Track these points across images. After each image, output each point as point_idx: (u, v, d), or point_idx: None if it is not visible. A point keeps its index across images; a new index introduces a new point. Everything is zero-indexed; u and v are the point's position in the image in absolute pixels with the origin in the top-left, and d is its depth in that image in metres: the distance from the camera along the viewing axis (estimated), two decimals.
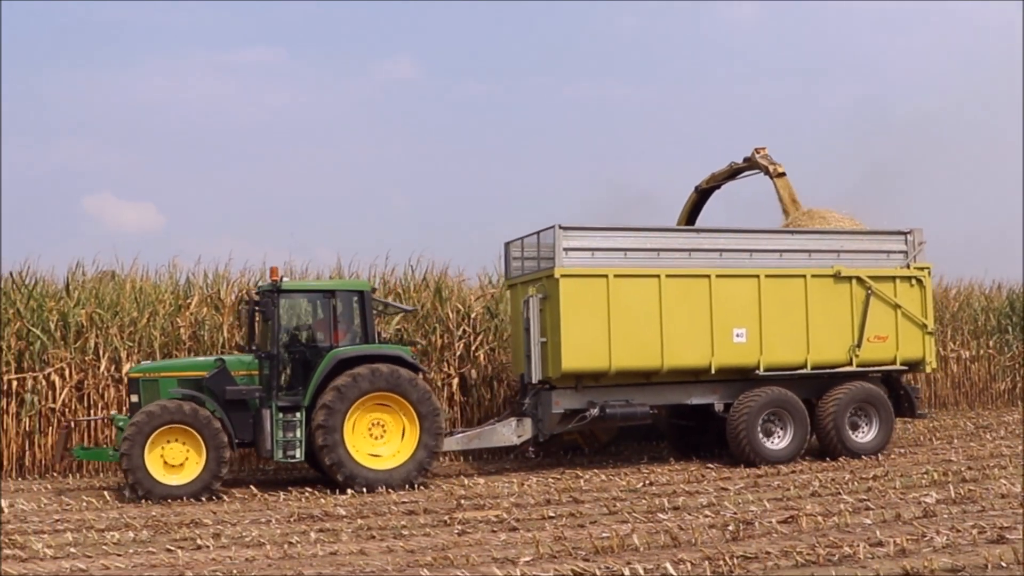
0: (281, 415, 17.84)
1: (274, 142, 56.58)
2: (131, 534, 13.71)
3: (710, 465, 20.06)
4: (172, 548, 12.60)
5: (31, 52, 56.24)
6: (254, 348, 19.18)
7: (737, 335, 20.95)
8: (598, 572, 10.01)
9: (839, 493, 15.43)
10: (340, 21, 57.44)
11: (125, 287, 20.97)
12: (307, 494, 15.98)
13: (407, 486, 17.83)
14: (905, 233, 21.76)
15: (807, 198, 24.34)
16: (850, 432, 20.86)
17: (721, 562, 10.21)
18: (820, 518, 13.33)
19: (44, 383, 19.55)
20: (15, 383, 19.30)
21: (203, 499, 17.02)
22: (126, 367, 19.81)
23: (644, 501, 14.49)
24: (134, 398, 18.14)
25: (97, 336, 19.91)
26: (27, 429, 19.24)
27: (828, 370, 21.01)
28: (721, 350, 20.39)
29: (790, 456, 20.05)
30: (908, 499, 14.71)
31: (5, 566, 11.67)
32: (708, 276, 20.42)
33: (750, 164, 24.51)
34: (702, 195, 26.12)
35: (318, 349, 18.39)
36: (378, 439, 18.27)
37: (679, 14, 55.98)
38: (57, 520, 14.76)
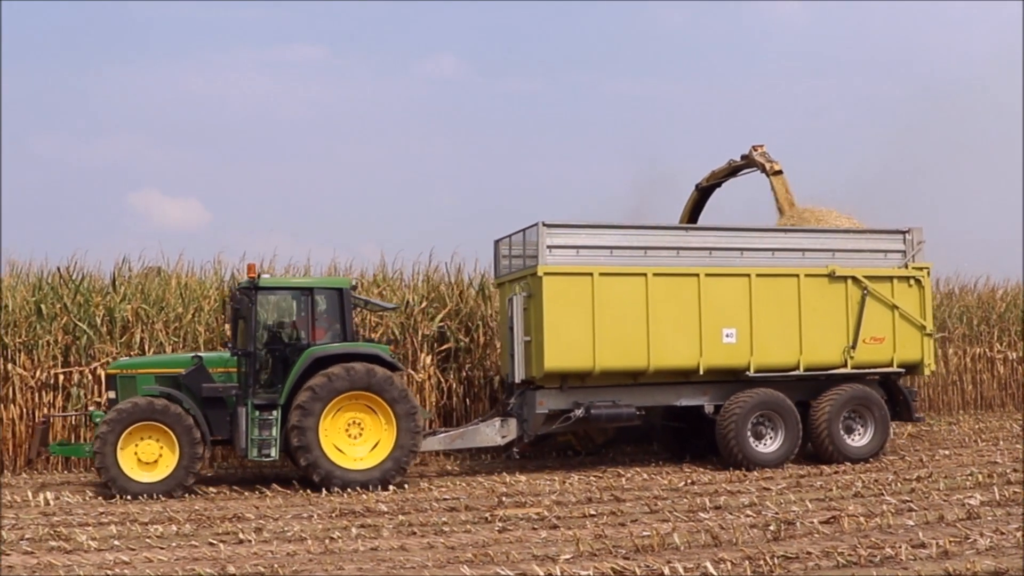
0: (258, 413, 17.89)
1: (318, 139, 56.62)
2: (174, 528, 13.98)
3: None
4: (214, 542, 12.82)
5: (77, 49, 56.44)
6: (228, 345, 19.20)
7: (727, 335, 20.65)
8: (638, 571, 10.07)
9: (882, 494, 15.47)
10: (382, 19, 57.45)
11: (171, 283, 21.21)
12: (348, 490, 15.91)
13: (384, 486, 18.03)
14: (903, 232, 21.55)
15: (813, 198, 24.50)
16: (844, 436, 20.66)
17: (762, 562, 10.29)
18: (862, 519, 13.33)
19: (90, 377, 19.63)
20: (61, 377, 19.38)
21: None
22: None
23: (685, 500, 14.59)
24: (111, 394, 18.29)
25: (143, 331, 20.16)
26: (73, 423, 19.28)
27: (822, 372, 20.81)
28: (710, 351, 20.18)
29: (780, 460, 19.92)
30: (952, 501, 14.73)
31: (50, 557, 12.22)
32: (697, 275, 20.25)
33: (748, 161, 24.64)
34: (703, 193, 26.24)
35: (296, 347, 18.43)
36: (355, 438, 18.29)
37: (723, 11, 55.57)
38: (102, 513, 15.20)
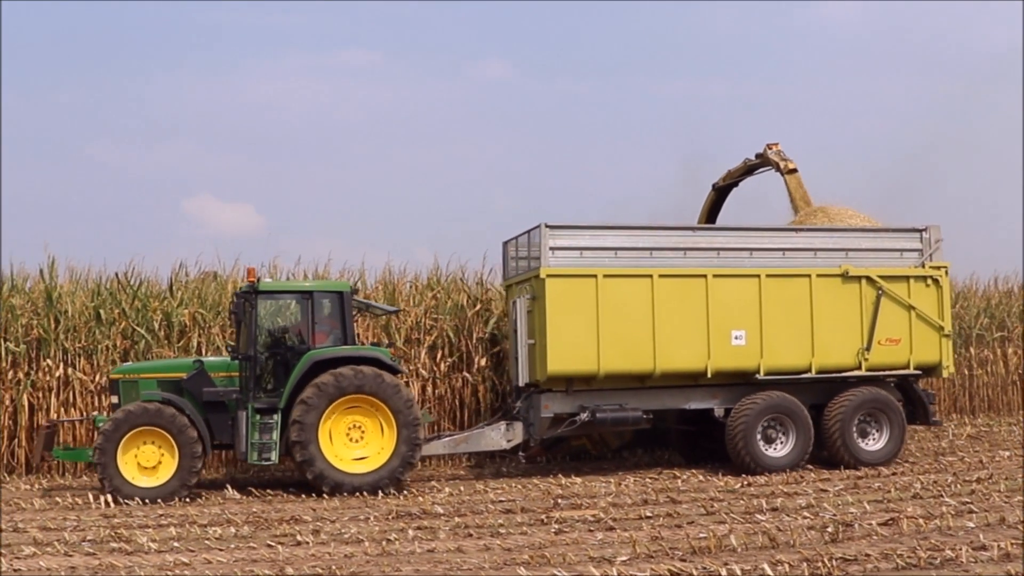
0: (259, 417, 18.10)
1: (371, 143, 56.85)
2: (232, 529, 14.37)
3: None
4: (272, 544, 13.22)
5: (132, 56, 57.02)
6: (229, 349, 19.54)
7: (736, 337, 20.44)
8: (695, 572, 10.22)
9: (941, 496, 15.62)
10: (435, 24, 57.61)
11: (227, 287, 21.29)
12: (405, 492, 15.97)
13: (380, 492, 18.22)
14: (920, 231, 21.33)
15: (831, 197, 24.37)
16: (858, 439, 20.46)
17: (820, 564, 10.40)
18: (921, 520, 13.47)
19: None
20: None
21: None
22: None
23: (742, 502, 14.66)
24: (114, 399, 18.63)
25: (200, 335, 20.43)
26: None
27: (835, 374, 20.62)
28: (718, 353, 20.07)
29: (791, 464, 19.82)
30: (1013, 502, 14.74)
31: (112, 558, 12.65)
32: (705, 276, 20.15)
33: (763, 160, 24.70)
34: (720, 193, 26.27)
35: (296, 351, 18.66)
36: (356, 442, 18.46)
37: (775, 11, 55.33)
38: (161, 515, 15.83)
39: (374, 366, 18.25)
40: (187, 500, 17.26)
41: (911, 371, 20.79)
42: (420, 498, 16.32)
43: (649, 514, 14.26)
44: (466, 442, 20.41)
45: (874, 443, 20.55)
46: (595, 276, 19.57)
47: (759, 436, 19.78)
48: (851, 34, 58.06)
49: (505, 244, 21.28)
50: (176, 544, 12.98)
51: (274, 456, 17.94)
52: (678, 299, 19.85)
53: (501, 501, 15.85)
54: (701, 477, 17.90)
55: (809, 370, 20.32)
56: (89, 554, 12.39)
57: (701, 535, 12.43)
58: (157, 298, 21.91)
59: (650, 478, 17.99)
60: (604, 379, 19.50)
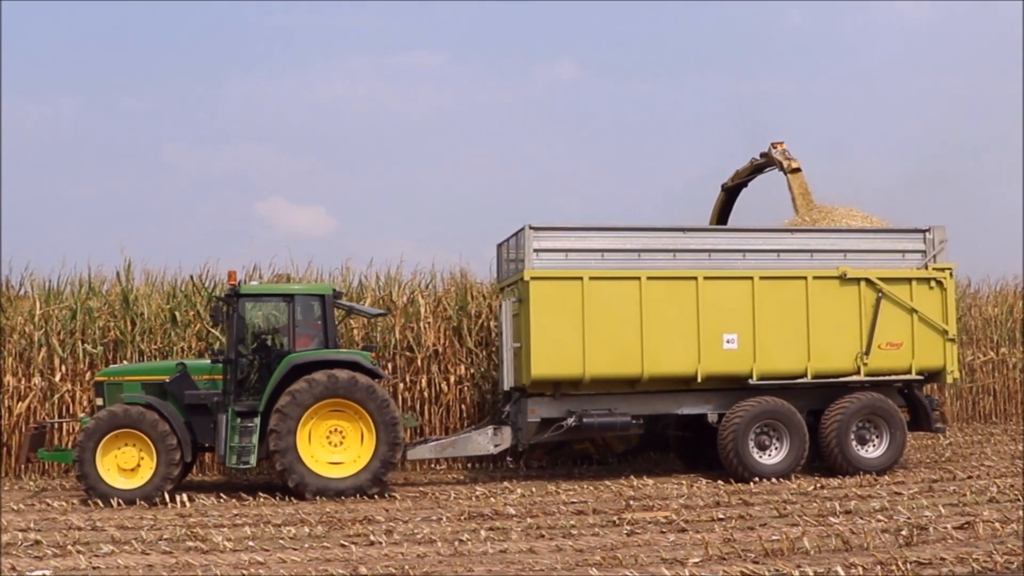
0: (239, 420, 18.46)
1: (440, 144, 57.12)
2: (306, 529, 14.93)
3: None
4: (346, 544, 13.69)
5: (203, 59, 57.71)
6: (210, 352, 20.06)
7: (728, 341, 20.17)
8: (767, 574, 10.24)
9: (1018, 499, 15.93)
10: (501, 25, 57.82)
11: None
12: (477, 492, 16.12)
13: (362, 495, 18.42)
14: (923, 231, 21.02)
15: (836, 197, 24.32)
16: (856, 446, 20.20)
17: (894, 567, 10.54)
18: (998, 524, 13.68)
19: None
20: None
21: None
22: None
23: (815, 504, 14.80)
24: (99, 401, 19.09)
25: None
26: None
27: (832, 379, 20.41)
28: (709, 357, 19.90)
29: (784, 471, 19.64)
30: None
31: (188, 557, 13.13)
32: (695, 278, 20.02)
33: (768, 159, 24.92)
34: (729, 194, 26.47)
35: (278, 354, 18.99)
36: (337, 446, 18.66)
37: (847, 10, 54.90)
38: (236, 514, 16.52)
39: (353, 370, 18.49)
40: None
41: (913, 376, 20.58)
42: (492, 499, 16.62)
43: (721, 516, 14.49)
44: (452, 447, 20.55)
45: (873, 450, 20.37)
46: (581, 278, 19.54)
47: (752, 442, 19.69)
48: (922, 32, 57.39)
49: (499, 246, 21.45)
50: (251, 543, 13.68)
51: (253, 460, 18.33)
52: (667, 302, 19.75)
53: (573, 502, 16.16)
54: (773, 480, 17.96)
55: (805, 375, 20.16)
56: (166, 552, 13.04)
57: (774, 537, 12.54)
58: None
59: (722, 480, 17.98)
60: (590, 383, 19.53)
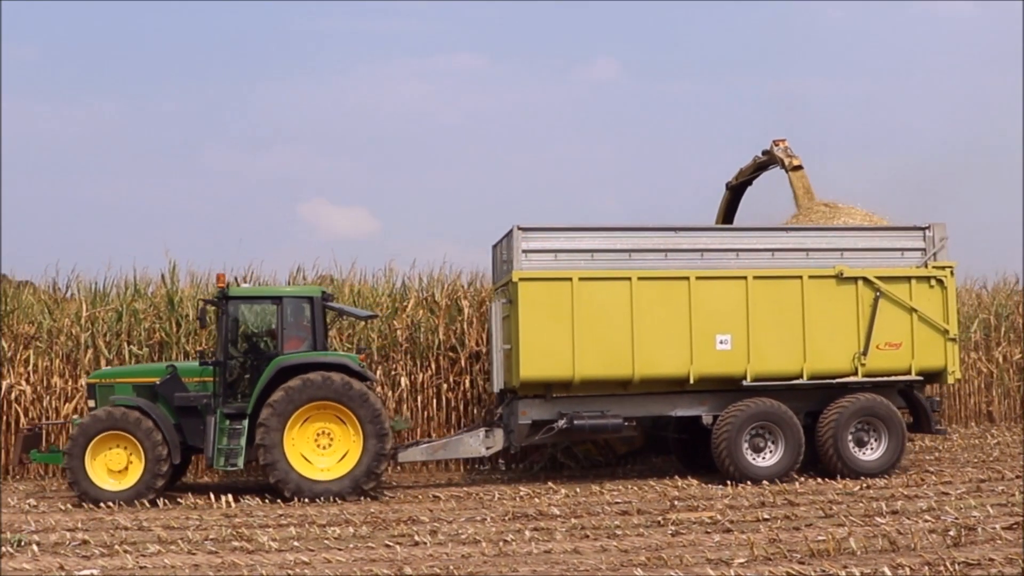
0: (227, 422, 19.26)
1: (480, 145, 57.34)
2: (351, 529, 15.64)
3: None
4: (390, 544, 14.37)
5: (243, 63, 58.12)
6: (198, 354, 20.80)
7: (721, 342, 20.33)
8: (814, 575, 9.92)
9: None
10: (541, 26, 57.86)
11: (344, 290, 21.58)
12: (521, 493, 16.16)
13: (350, 497, 18.91)
14: (923, 229, 21.28)
15: (840, 195, 24.41)
16: (853, 449, 20.41)
17: (942, 568, 11.01)
18: None
19: None
20: None
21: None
22: None
23: (861, 504, 15.25)
24: (91, 403, 19.88)
25: None
26: None
27: (829, 380, 20.68)
28: (702, 358, 20.28)
29: (779, 474, 20.04)
30: None
31: (234, 557, 13.74)
32: (687, 278, 20.33)
33: (770, 157, 25.59)
34: (734, 192, 27.04)
35: (266, 356, 19.69)
36: (325, 448, 19.30)
37: (882, 7, 54.63)
38: (281, 515, 17.35)
39: (340, 372, 19.17)
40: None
41: (912, 377, 20.86)
42: (536, 499, 16.89)
43: (766, 516, 15.04)
44: (444, 449, 21.15)
45: (872, 452, 20.57)
46: (570, 279, 20.02)
47: (746, 444, 20.17)
48: (966, 31, 57.03)
49: (494, 248, 22.28)
50: (296, 543, 14.55)
51: (240, 462, 19.15)
52: (658, 302, 20.24)
53: (617, 503, 16.78)
54: (818, 479, 18.85)
55: (800, 376, 20.53)
56: (212, 552, 14.22)
57: (820, 537, 12.84)
58: None
59: (767, 480, 17.68)
60: (581, 385, 20.24)
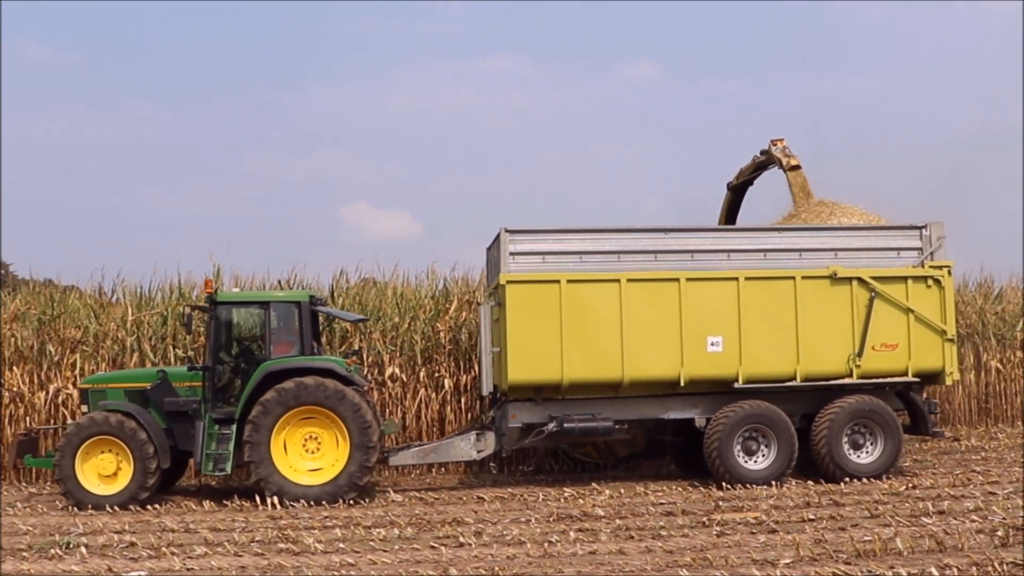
0: (216, 427, 19.92)
1: (520, 147, 57.60)
2: (396, 531, 16.23)
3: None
4: (436, 545, 14.90)
5: (286, 67, 58.56)
6: (186, 360, 21.75)
7: (712, 344, 20.36)
8: (860, 575, 9.81)
9: None
10: (580, 27, 58.00)
11: (387, 293, 21.67)
12: (566, 494, 16.12)
13: (338, 502, 19.17)
14: (920, 228, 21.31)
15: (842, 194, 24.54)
16: (848, 451, 20.47)
17: (990, 568, 11.34)
18: None
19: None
20: None
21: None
22: (388, 370, 20.25)
23: (907, 505, 15.45)
24: (84, 408, 20.48)
25: (361, 340, 20.73)
26: None
27: (823, 382, 20.74)
28: (692, 360, 20.48)
29: (772, 477, 20.25)
30: None
31: (280, 558, 14.12)
32: (677, 280, 20.43)
33: (769, 157, 26.00)
34: (736, 192, 27.39)
35: (255, 361, 20.22)
36: (313, 453, 19.75)
37: (928, 7, 54.50)
38: (326, 516, 18.06)
39: (327, 377, 19.62)
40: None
41: (909, 378, 21.00)
42: (580, 500, 16.96)
43: (811, 516, 15.32)
44: (435, 452, 21.59)
45: (867, 455, 20.62)
46: (558, 281, 20.22)
47: (737, 448, 20.49)
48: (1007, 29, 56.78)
49: (488, 250, 22.95)
50: (342, 545, 15.37)
51: (228, 467, 19.84)
52: (648, 304, 20.58)
53: (662, 503, 17.23)
54: (864, 480, 17.94)
55: (794, 378, 20.76)
56: (258, 554, 14.65)
57: (866, 538, 12.98)
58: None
59: (812, 480, 17.96)
60: (570, 388, 20.70)
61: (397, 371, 24.64)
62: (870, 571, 12.27)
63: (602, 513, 17.54)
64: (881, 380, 20.66)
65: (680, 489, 20.10)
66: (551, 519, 17.04)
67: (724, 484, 19.64)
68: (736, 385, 20.24)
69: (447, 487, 21.73)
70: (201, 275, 25.69)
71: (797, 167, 24.99)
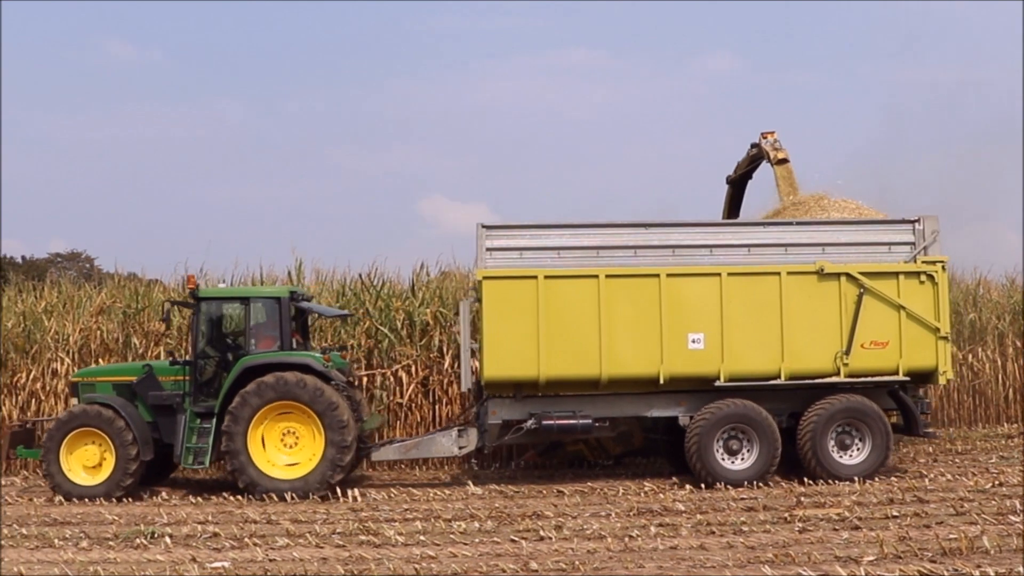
0: (198, 421, 20.70)
1: (598, 139, 57.63)
2: (476, 524, 16.90)
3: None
4: (516, 539, 15.52)
5: (362, 63, 59.01)
6: (169, 354, 22.55)
7: (693, 341, 20.19)
8: (946, 574, 9.99)
9: None
10: (658, 20, 57.85)
11: (466, 286, 21.82)
12: (646, 488, 16.12)
13: (313, 496, 19.19)
14: (912, 222, 21.26)
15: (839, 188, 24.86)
16: (834, 452, 20.28)
17: None
18: None
19: (392, 379, 20.49)
20: (365, 379, 20.16)
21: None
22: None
23: (994, 502, 15.60)
24: (74, 401, 21.30)
25: (441, 334, 20.96)
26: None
27: (808, 381, 20.60)
28: (673, 358, 20.62)
29: (753, 477, 20.16)
30: None
31: (361, 551, 14.34)
32: (657, 276, 20.46)
33: (759, 150, 26.40)
34: (736, 186, 27.95)
35: (236, 356, 20.71)
36: (291, 447, 20.17)
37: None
38: (407, 509, 19.24)
39: (304, 372, 20.03)
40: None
41: (900, 377, 20.89)
42: (661, 495, 17.12)
43: (896, 513, 15.53)
44: (417, 448, 22.02)
45: (855, 456, 20.33)
46: (535, 277, 20.38)
47: (719, 447, 20.57)
48: None
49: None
50: (422, 538, 15.83)
51: (207, 460, 20.80)
52: (627, 301, 20.93)
53: (743, 499, 17.46)
54: (949, 476, 19.95)
55: (778, 376, 20.92)
56: (339, 546, 15.14)
57: (951, 536, 13.10)
58: (399, 297, 22.80)
59: (895, 476, 18.06)
60: (547, 385, 21.09)
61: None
62: (956, 570, 12.51)
63: (682, 508, 18.48)
64: (871, 379, 20.60)
65: (761, 484, 19.68)
66: (631, 513, 17.87)
67: (806, 480, 19.54)
68: (717, 383, 20.55)
69: (527, 480, 21.79)
70: (283, 269, 26.28)
71: (785, 160, 25.24)
